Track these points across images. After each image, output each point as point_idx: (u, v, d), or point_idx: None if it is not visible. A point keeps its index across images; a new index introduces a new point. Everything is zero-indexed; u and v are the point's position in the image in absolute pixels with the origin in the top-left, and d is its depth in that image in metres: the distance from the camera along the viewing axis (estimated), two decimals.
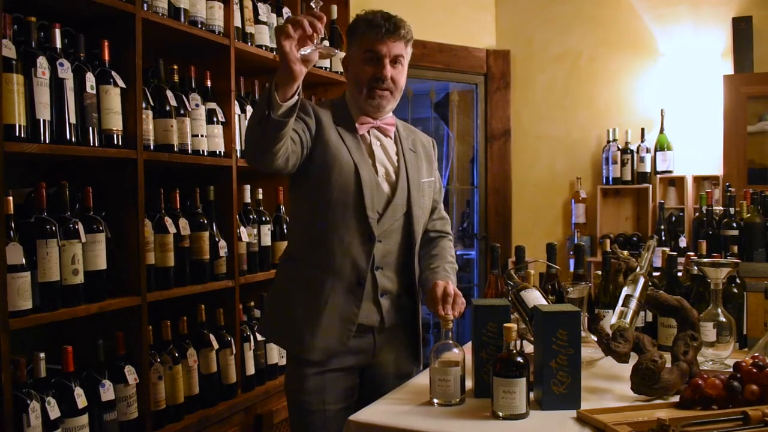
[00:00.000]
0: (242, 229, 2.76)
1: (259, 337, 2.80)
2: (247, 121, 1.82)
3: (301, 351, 1.88)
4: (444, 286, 1.84)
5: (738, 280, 2.18)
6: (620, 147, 4.31)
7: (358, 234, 1.87)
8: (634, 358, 1.69)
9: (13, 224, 1.83)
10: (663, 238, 3.91)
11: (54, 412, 1.86)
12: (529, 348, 1.82)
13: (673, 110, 4.26)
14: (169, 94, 2.40)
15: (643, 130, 4.27)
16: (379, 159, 1.95)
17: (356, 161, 1.87)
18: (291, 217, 2.09)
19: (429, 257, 2.03)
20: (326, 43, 1.59)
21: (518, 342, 1.75)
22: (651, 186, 4.24)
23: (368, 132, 1.95)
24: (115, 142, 2.15)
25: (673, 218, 4.11)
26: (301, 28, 1.52)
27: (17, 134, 1.84)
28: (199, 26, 2.54)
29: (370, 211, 1.86)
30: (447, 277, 1.94)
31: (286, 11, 3.09)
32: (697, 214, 3.67)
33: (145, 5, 2.28)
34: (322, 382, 1.87)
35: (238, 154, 2.74)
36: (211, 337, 2.53)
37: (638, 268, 2.01)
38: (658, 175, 4.25)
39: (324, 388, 1.87)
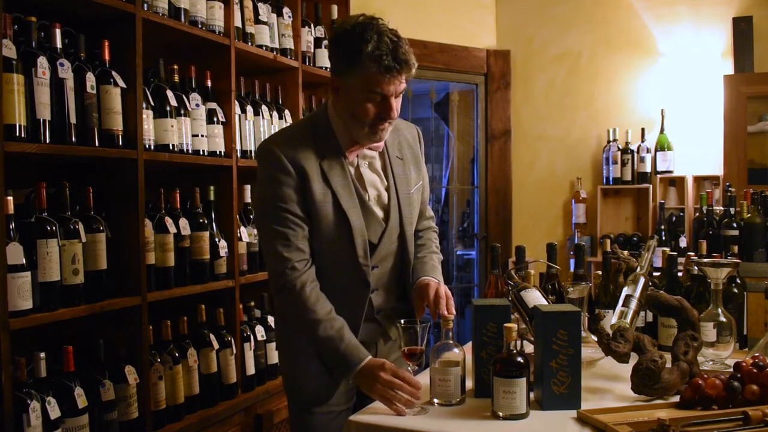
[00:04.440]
0: (242, 229, 2.76)
1: (260, 337, 2.80)
2: (320, 334, 1.74)
3: (294, 393, 1.90)
4: (436, 288, 1.82)
5: (738, 280, 2.18)
6: (620, 147, 4.31)
7: (353, 282, 1.82)
8: (634, 358, 1.69)
9: (13, 224, 1.83)
10: (663, 238, 3.91)
11: (54, 412, 1.86)
12: (529, 348, 1.82)
13: (674, 110, 4.26)
14: (170, 94, 2.40)
15: (643, 130, 4.27)
16: (369, 181, 1.86)
17: (345, 207, 1.77)
18: None
19: (416, 246, 2.00)
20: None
21: (518, 342, 1.75)
22: (651, 186, 4.24)
23: (357, 155, 1.85)
24: (116, 142, 2.15)
25: (674, 218, 4.11)
26: (401, 400, 1.60)
27: (17, 134, 1.84)
28: (200, 26, 2.54)
29: (362, 258, 1.80)
30: (435, 270, 1.93)
31: (286, 11, 3.09)
32: (697, 214, 3.67)
33: (146, 5, 2.28)
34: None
35: (238, 154, 2.75)
36: (212, 337, 2.53)
37: (638, 268, 2.01)
38: (659, 175, 4.25)
39: (328, 392, 1.84)
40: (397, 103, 1.75)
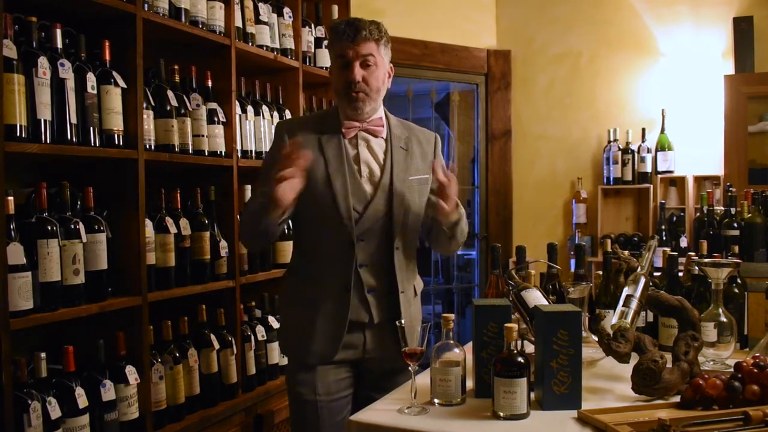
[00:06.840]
0: None
1: (260, 337, 2.80)
2: (242, 217, 2.01)
3: (299, 356, 2.03)
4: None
5: (739, 280, 2.18)
6: (621, 147, 4.31)
7: (339, 241, 1.96)
8: (634, 359, 1.69)
9: (13, 224, 1.83)
10: (664, 238, 3.91)
11: (55, 412, 1.86)
12: (529, 348, 1.82)
13: (674, 110, 4.25)
14: (170, 94, 2.40)
15: (643, 130, 4.27)
16: (364, 159, 2.01)
17: (331, 172, 1.95)
18: (292, 232, 2.24)
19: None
20: None
21: (519, 342, 1.75)
22: (652, 186, 4.24)
23: (356, 135, 2.02)
24: (116, 142, 2.15)
25: (674, 218, 4.11)
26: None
27: (18, 134, 1.84)
28: (200, 26, 2.54)
29: (346, 219, 1.94)
30: None
31: (287, 11, 3.09)
32: (698, 214, 3.67)
33: (146, 5, 2.28)
34: (312, 374, 1.98)
35: (239, 154, 2.75)
36: (212, 337, 2.53)
37: (639, 268, 2.01)
38: (659, 175, 4.25)
39: (314, 380, 1.97)
40: (366, 72, 1.95)
